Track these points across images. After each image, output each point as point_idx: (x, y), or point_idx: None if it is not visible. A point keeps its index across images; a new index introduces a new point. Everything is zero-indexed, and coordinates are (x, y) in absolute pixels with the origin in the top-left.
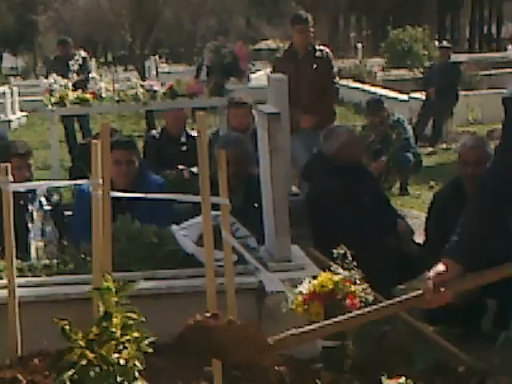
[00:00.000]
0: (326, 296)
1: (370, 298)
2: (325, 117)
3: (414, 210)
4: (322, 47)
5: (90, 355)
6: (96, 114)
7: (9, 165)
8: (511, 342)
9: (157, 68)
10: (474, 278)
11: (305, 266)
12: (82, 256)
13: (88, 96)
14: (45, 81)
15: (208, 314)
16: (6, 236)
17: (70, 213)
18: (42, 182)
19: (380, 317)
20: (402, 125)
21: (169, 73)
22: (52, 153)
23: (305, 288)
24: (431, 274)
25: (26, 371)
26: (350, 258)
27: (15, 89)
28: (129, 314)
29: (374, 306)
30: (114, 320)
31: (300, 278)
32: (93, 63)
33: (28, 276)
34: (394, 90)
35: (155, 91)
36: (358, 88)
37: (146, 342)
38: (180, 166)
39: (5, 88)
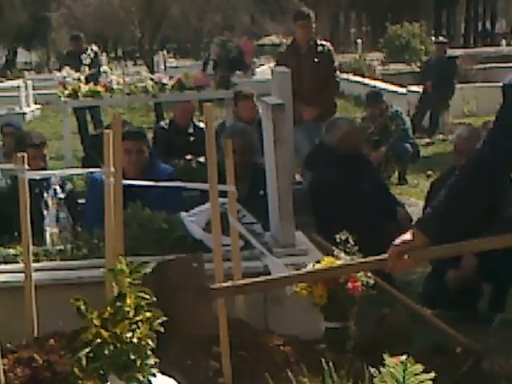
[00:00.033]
0: (329, 279)
1: (371, 281)
2: (326, 109)
3: (412, 198)
4: (323, 42)
5: (105, 334)
6: (107, 107)
7: (25, 154)
8: (506, 323)
9: (165, 62)
10: (439, 250)
11: (308, 251)
12: (95, 241)
13: (100, 89)
14: (58, 74)
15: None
16: (22, 222)
17: (83, 200)
18: (56, 171)
19: (341, 275)
20: (400, 117)
21: (176, 67)
22: (65, 143)
23: None
24: (397, 241)
25: (42, 351)
26: (352, 243)
27: (29, 82)
28: (141, 295)
29: (337, 263)
30: (128, 300)
31: (304, 263)
32: (104, 58)
33: (43, 260)
34: (392, 84)
35: (164, 84)
36: (358, 81)
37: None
38: (188, 156)
39: (19, 82)
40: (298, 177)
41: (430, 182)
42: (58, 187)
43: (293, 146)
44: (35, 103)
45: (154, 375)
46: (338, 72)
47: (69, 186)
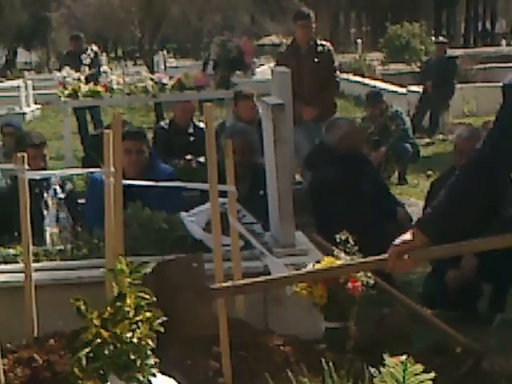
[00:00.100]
0: (329, 279)
1: (371, 281)
2: (326, 109)
3: (412, 198)
4: (323, 42)
5: (105, 334)
6: (107, 107)
7: (25, 154)
8: (506, 323)
9: (165, 62)
10: (439, 250)
11: (308, 251)
12: (95, 241)
13: (100, 89)
14: (58, 74)
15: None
16: (22, 222)
17: (83, 200)
18: (56, 171)
19: (341, 275)
20: (400, 116)
21: (176, 67)
22: (65, 143)
23: None
24: (397, 241)
25: (42, 351)
26: (352, 243)
27: (29, 82)
28: (141, 295)
29: (337, 263)
30: (128, 300)
31: (304, 263)
32: (104, 58)
33: (43, 260)
34: (392, 84)
35: (164, 84)
36: (358, 81)
37: (158, 321)
38: (188, 156)
39: (19, 82)
40: (298, 177)
41: (430, 182)
42: (58, 187)
43: (293, 146)
44: (35, 103)
45: (154, 375)
46: (337, 72)
47: (69, 186)
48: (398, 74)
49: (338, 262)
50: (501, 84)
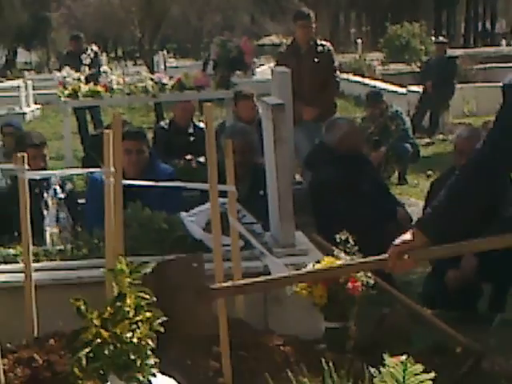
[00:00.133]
0: (329, 279)
1: (371, 281)
2: (326, 109)
3: (412, 198)
4: (323, 42)
5: (105, 334)
6: (107, 107)
7: (25, 154)
8: (506, 323)
9: (165, 62)
10: (439, 250)
11: (308, 251)
12: (95, 241)
13: (100, 89)
14: (58, 74)
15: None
16: (22, 222)
17: (83, 200)
18: (56, 171)
19: (341, 275)
20: (400, 116)
21: (176, 67)
22: (65, 143)
23: None
24: (397, 241)
25: (42, 351)
26: (352, 243)
27: (29, 82)
28: (141, 295)
29: (337, 263)
30: (128, 300)
31: (304, 263)
32: (104, 58)
33: (43, 260)
34: (392, 84)
35: (164, 84)
36: (358, 81)
37: (158, 321)
38: (188, 156)
39: (19, 82)
40: (298, 177)
41: (430, 182)
42: (58, 187)
43: (293, 146)
44: (35, 103)
45: (154, 375)
46: (337, 72)
47: (69, 186)
48: (398, 74)
49: (338, 262)
50: (501, 84)
